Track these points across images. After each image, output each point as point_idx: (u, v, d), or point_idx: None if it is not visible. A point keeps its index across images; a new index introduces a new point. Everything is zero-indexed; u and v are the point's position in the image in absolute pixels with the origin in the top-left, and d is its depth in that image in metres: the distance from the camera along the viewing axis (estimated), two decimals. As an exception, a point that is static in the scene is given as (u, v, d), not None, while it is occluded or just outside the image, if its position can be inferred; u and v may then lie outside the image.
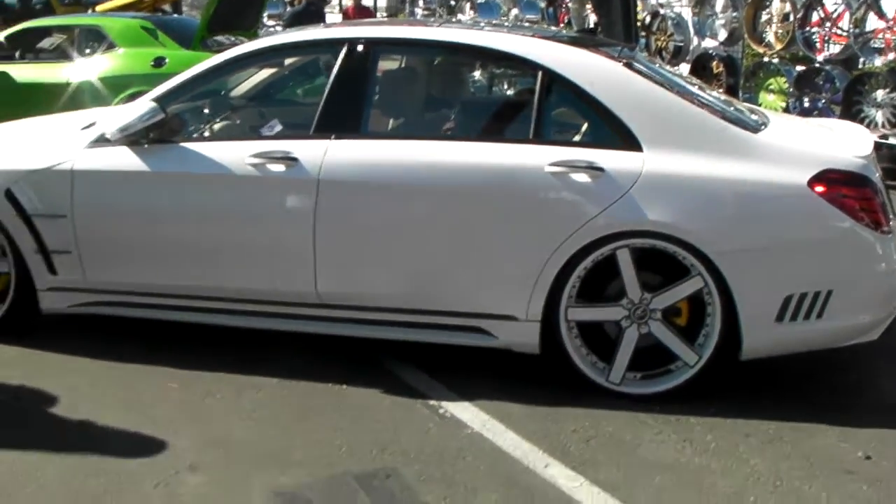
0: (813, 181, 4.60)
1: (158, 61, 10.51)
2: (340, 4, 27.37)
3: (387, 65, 5.80)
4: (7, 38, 11.57)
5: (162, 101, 5.28)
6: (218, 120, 5.86)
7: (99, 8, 15.86)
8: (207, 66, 5.46)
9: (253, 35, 11.78)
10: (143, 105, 5.25)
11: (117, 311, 5.52)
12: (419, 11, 18.62)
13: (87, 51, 11.01)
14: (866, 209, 4.61)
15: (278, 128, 5.37)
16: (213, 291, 5.26)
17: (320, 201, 4.93)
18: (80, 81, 10.64)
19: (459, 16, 15.62)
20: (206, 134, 5.67)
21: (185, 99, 5.57)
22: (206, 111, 5.89)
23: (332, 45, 5.37)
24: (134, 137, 5.22)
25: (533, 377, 5.00)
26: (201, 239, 5.22)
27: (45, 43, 11.82)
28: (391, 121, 5.68)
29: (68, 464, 4.18)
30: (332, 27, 6.14)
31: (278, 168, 5.00)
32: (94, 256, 5.40)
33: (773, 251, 4.62)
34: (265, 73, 6.33)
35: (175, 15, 14.80)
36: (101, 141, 5.32)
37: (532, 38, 5.24)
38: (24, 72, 11.07)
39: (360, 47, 5.19)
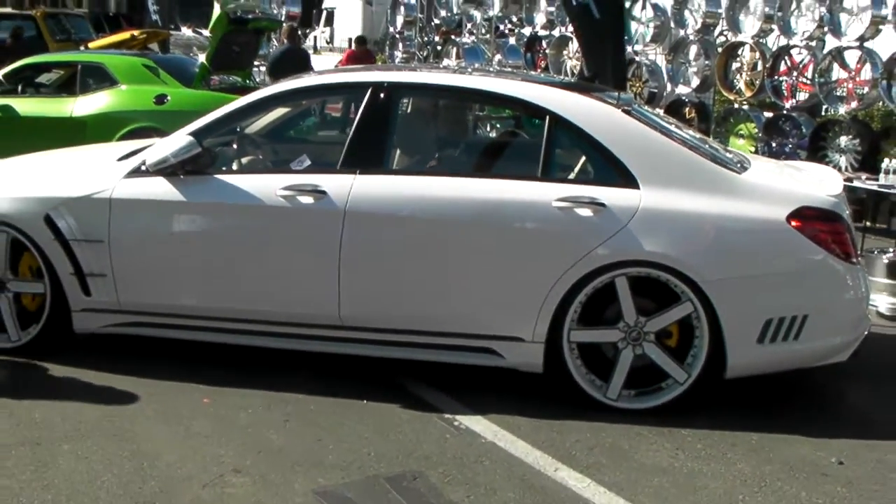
0: (790, 217, 5.16)
1: (160, 98, 10.95)
2: (315, 46, 28.03)
3: (408, 107, 6.28)
4: (6, 74, 11.91)
5: (198, 135, 5.75)
6: (250, 154, 6.32)
7: (92, 45, 16.34)
8: (242, 103, 5.95)
9: (247, 75, 12.33)
10: (181, 139, 5.70)
11: (148, 331, 5.94)
12: (398, 55, 19.18)
13: (90, 87, 11.41)
14: (838, 242, 5.19)
15: (307, 162, 5.84)
16: (241, 314, 5.70)
17: (346, 231, 5.41)
18: (84, 116, 11.05)
19: (446, 60, 16.19)
20: (239, 167, 6.13)
21: (220, 133, 6.03)
22: (240, 146, 6.33)
23: (358, 87, 5.88)
24: (171, 169, 5.67)
25: (537, 394, 5.48)
26: (231, 265, 5.67)
27: (47, 78, 12.24)
28: (411, 158, 6.17)
29: (122, 471, 4.57)
30: (357, 71, 6.65)
31: (307, 200, 5.48)
32: (128, 279, 5.81)
33: (755, 279, 5.17)
34: (294, 111, 6.81)
35: (170, 54, 15.22)
36: (139, 171, 5.76)
37: (540, 85, 5.78)
38: (27, 106, 11.45)
39: (383, 90, 5.70)
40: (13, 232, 5.92)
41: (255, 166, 6.22)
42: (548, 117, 5.49)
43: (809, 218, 5.19)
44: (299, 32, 17.80)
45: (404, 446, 4.87)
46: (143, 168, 5.74)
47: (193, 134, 5.75)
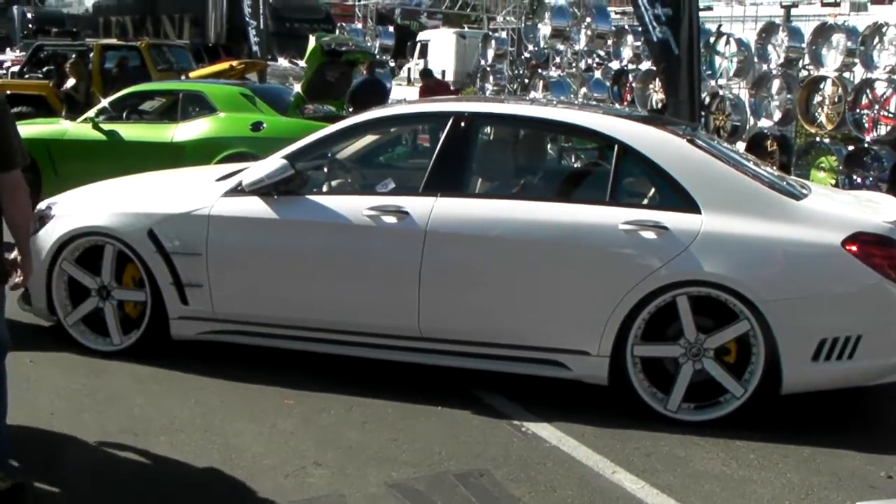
0: (846, 241, 5.43)
1: (256, 126, 11.41)
2: (409, 78, 28.65)
3: (485, 135, 6.67)
4: (112, 102, 12.49)
5: (292, 158, 6.21)
6: (339, 177, 6.77)
7: (192, 74, 17.05)
8: (332, 130, 6.42)
9: (341, 105, 12.82)
10: (275, 162, 6.17)
11: (239, 339, 6.38)
12: (489, 87, 19.64)
13: (191, 114, 11.96)
14: (893, 266, 5.42)
15: (392, 185, 6.27)
16: (327, 324, 6.12)
17: (426, 250, 5.81)
18: (184, 141, 11.53)
19: (532, 93, 16.60)
20: (328, 188, 6.57)
21: (311, 157, 6.49)
22: (329, 169, 6.78)
23: (441, 117, 6.31)
24: (265, 189, 6.13)
25: (601, 405, 5.79)
26: (320, 279, 6.11)
27: (150, 105, 12.85)
28: (488, 183, 6.54)
29: (212, 460, 5.02)
30: (440, 101, 7.07)
31: (391, 220, 5.89)
32: (223, 290, 6.27)
33: (810, 300, 5.44)
34: (382, 138, 7.25)
35: (267, 84, 15.82)
36: (237, 191, 6.24)
37: (609, 116, 6.14)
38: (131, 131, 12.00)
39: (463, 119, 6.11)
40: (119, 245, 6.42)
41: (342, 188, 6.65)
42: (616, 146, 5.84)
43: (865, 243, 5.45)
44: (390, 65, 18.53)
45: (472, 448, 5.23)
46: (240, 188, 6.20)
47: (287, 157, 6.20)
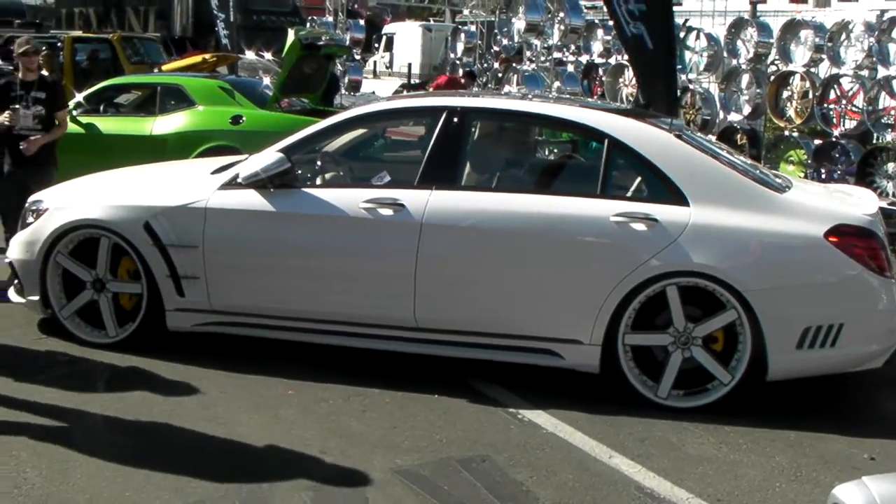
0: (828, 233, 5.64)
1: (236, 119, 11.52)
2: (375, 71, 28.71)
3: (480, 129, 6.80)
4: (87, 96, 12.50)
5: (288, 151, 6.32)
6: (334, 170, 6.90)
7: (165, 67, 17.05)
8: (328, 123, 6.55)
9: (316, 99, 12.93)
10: (271, 155, 6.28)
11: (236, 330, 6.49)
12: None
13: (169, 107, 12.01)
14: (872, 257, 5.65)
15: (387, 178, 6.41)
16: (323, 315, 6.25)
17: (422, 241, 5.95)
18: (163, 134, 11.62)
19: (507, 87, 16.73)
20: (324, 181, 6.69)
21: (307, 151, 6.61)
22: (324, 162, 6.89)
23: (435, 111, 6.43)
24: (261, 182, 6.23)
25: (593, 392, 5.96)
26: (316, 270, 6.24)
27: (126, 99, 12.88)
28: (483, 176, 6.69)
29: (216, 449, 5.15)
30: (434, 96, 7.20)
31: (387, 212, 6.03)
32: (220, 282, 6.37)
33: (795, 290, 5.65)
34: (378, 131, 7.39)
35: (242, 77, 15.86)
36: (232, 184, 6.34)
37: (600, 111, 6.32)
38: (109, 125, 12.04)
39: (457, 114, 6.26)
40: (115, 237, 6.49)
41: (338, 181, 6.79)
42: (606, 140, 6.02)
43: (846, 234, 5.66)
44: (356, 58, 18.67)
45: (472, 434, 5.39)
46: (237, 181, 6.31)
47: (283, 151, 6.32)
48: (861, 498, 2.86)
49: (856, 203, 6.16)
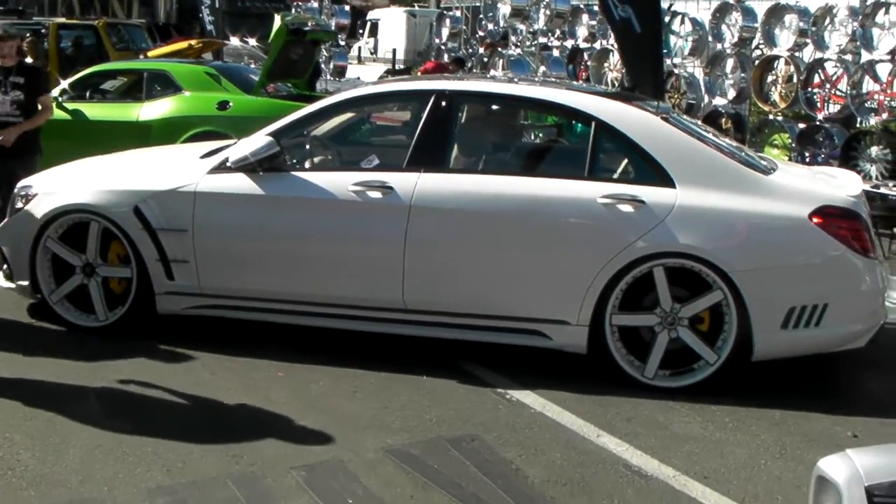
0: (813, 214, 5.70)
1: (223, 104, 11.52)
2: (360, 57, 28.69)
3: (468, 112, 6.83)
4: (73, 83, 12.48)
5: (277, 135, 6.35)
6: (323, 154, 6.93)
7: (151, 53, 17.01)
8: (317, 107, 6.58)
9: (303, 84, 12.94)
10: (261, 139, 6.30)
11: (226, 313, 6.53)
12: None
13: (156, 93, 12.01)
14: (856, 238, 5.72)
15: (376, 161, 6.45)
16: (312, 297, 6.30)
17: (411, 224, 5.99)
18: (150, 120, 11.61)
19: (493, 71, 16.76)
20: (313, 165, 6.70)
21: (296, 135, 6.64)
22: (314, 146, 6.92)
23: (423, 94, 6.47)
24: (251, 166, 6.26)
25: (580, 373, 6.02)
26: (305, 253, 6.27)
27: (112, 85, 12.86)
28: (471, 158, 6.72)
29: (209, 430, 5.19)
30: (422, 80, 7.24)
31: (376, 195, 6.07)
32: (210, 266, 6.40)
33: (780, 270, 5.71)
34: (366, 114, 7.41)
35: (229, 63, 15.84)
36: (222, 168, 6.37)
37: (587, 94, 6.36)
38: (95, 111, 12.04)
39: (445, 97, 6.30)
40: (104, 222, 6.52)
41: (327, 164, 6.82)
42: (594, 123, 6.06)
43: (830, 215, 5.73)
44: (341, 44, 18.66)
45: (461, 414, 5.45)
46: (226, 165, 6.33)
47: (272, 134, 6.35)
48: (845, 470, 2.91)
49: (840, 185, 6.23)
